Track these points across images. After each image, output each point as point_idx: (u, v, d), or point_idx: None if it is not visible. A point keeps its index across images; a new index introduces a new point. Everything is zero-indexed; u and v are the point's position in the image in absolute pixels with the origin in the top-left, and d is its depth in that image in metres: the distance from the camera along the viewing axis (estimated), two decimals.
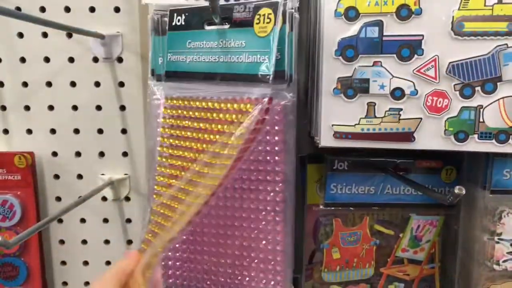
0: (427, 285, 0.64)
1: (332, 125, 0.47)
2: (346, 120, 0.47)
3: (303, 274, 0.64)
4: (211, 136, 0.46)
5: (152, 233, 0.49)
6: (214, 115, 0.46)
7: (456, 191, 0.41)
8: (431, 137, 0.46)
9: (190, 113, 0.48)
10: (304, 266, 0.64)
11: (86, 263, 0.71)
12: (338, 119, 0.47)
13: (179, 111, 0.50)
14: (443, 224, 0.63)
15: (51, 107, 0.66)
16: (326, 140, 0.47)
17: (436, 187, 0.60)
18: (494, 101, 0.45)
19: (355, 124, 0.47)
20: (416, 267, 0.63)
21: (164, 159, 0.50)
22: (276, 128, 0.47)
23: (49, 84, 0.65)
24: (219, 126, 0.46)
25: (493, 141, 0.46)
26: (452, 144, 0.46)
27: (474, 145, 0.46)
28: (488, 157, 0.54)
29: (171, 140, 0.50)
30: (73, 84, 0.65)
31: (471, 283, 0.59)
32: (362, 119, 0.47)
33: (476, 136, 0.46)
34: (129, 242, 0.70)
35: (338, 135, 0.47)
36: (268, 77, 0.43)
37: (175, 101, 0.50)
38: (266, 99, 0.44)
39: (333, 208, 0.61)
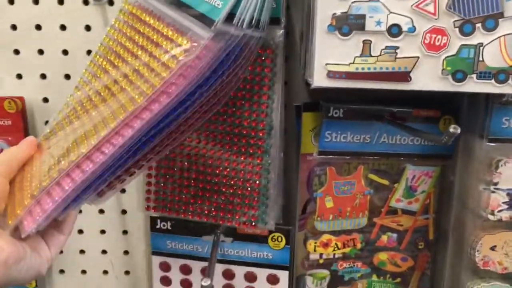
0: (421, 236, 0.64)
1: (326, 64, 0.45)
2: (341, 58, 0.45)
3: (296, 224, 0.63)
4: (143, 56, 0.45)
5: (52, 132, 0.48)
6: (155, 37, 0.45)
7: (451, 130, 0.40)
8: (428, 77, 0.45)
9: (138, 25, 0.47)
10: (298, 216, 0.63)
11: None
12: (332, 57, 0.45)
13: (130, 19, 0.49)
14: (439, 175, 0.62)
15: (41, 51, 0.64)
16: (319, 80, 0.46)
17: None
18: (494, 39, 0.43)
19: (350, 63, 0.45)
20: (410, 218, 0.63)
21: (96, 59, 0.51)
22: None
23: (38, 27, 0.63)
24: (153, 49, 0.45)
25: (492, 81, 0.44)
26: (450, 84, 0.45)
27: (472, 85, 0.45)
28: (487, 105, 0.53)
29: (111, 43, 0.49)
30: (63, 27, 0.63)
31: (465, 233, 0.59)
32: (357, 58, 0.45)
33: (474, 76, 0.44)
34: None
35: (331, 75, 0.45)
36: (214, 22, 0.42)
37: (130, 7, 0.50)
38: (205, 40, 0.42)
39: (327, 156, 0.60)
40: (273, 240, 0.62)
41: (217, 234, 0.59)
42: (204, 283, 0.43)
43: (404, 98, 0.56)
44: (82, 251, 0.71)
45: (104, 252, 0.71)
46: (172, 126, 0.44)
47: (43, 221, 0.41)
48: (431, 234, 0.64)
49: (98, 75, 0.49)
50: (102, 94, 0.45)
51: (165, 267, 0.65)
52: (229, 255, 0.63)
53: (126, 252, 0.71)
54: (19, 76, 0.65)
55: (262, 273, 0.64)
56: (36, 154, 0.48)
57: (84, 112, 0.46)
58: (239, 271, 0.64)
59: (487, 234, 0.57)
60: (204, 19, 0.43)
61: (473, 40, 0.43)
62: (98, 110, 0.44)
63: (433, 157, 0.60)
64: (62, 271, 0.72)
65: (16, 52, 0.64)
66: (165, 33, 0.45)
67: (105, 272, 0.72)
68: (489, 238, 0.57)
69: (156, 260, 0.66)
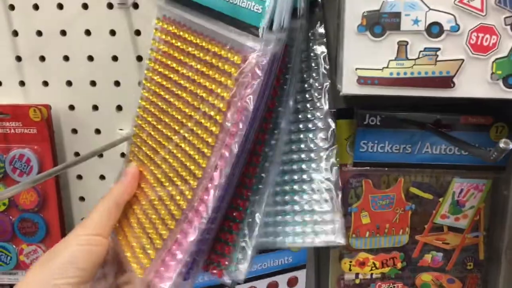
0: (470, 255, 0.58)
1: (356, 68, 0.40)
2: (373, 63, 0.40)
3: None
4: (196, 77, 0.41)
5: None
6: (201, 55, 0.41)
7: (502, 145, 0.34)
8: (475, 83, 0.39)
9: (179, 43, 0.44)
10: None
11: None
12: (363, 61, 0.40)
13: (169, 38, 0.46)
14: (491, 189, 0.55)
15: (66, 58, 0.63)
16: (349, 86, 0.41)
17: (484, 147, 0.52)
18: None
19: (383, 68, 0.40)
20: (457, 236, 0.57)
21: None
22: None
23: (63, 33, 0.62)
24: (205, 69, 0.41)
25: None
26: (500, 90, 0.39)
27: None
28: None
29: (157, 66, 0.46)
30: (88, 32, 0.61)
31: None
32: (391, 62, 0.40)
33: None
34: None
35: (362, 81, 0.40)
36: (258, 29, 0.37)
37: (166, 25, 0.46)
38: (256, 54, 0.37)
39: (363, 168, 0.55)
40: None
41: None
42: None
43: (450, 104, 0.50)
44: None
45: None
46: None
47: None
48: (482, 254, 0.57)
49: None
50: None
51: None
52: (252, 272, 0.59)
53: None
54: (45, 84, 0.64)
55: (282, 279, 0.60)
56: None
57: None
58: (262, 285, 0.60)
59: None
60: (246, 27, 0.38)
61: None
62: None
63: (484, 168, 0.54)
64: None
65: (42, 59, 0.63)
66: (211, 49, 0.41)
67: None
68: None
69: None
